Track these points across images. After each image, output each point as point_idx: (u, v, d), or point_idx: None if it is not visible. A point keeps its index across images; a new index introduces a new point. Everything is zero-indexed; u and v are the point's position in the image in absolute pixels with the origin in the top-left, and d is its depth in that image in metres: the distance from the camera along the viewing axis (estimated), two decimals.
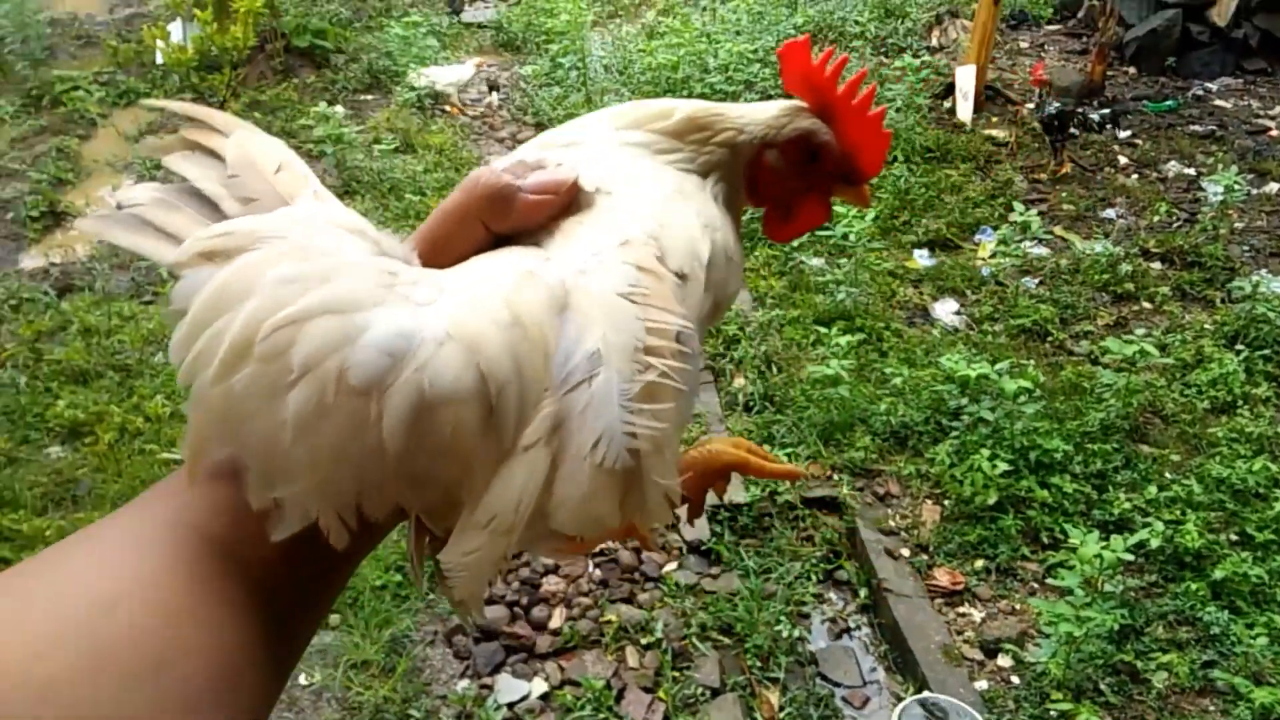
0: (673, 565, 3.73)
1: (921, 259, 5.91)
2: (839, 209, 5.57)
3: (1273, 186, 6.24)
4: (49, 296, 5.40)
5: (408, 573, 3.63)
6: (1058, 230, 6.02)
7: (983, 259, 5.80)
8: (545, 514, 0.53)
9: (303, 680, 3.22)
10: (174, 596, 0.47)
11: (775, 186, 0.73)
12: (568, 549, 0.64)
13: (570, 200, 0.61)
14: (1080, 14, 8.85)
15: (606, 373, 0.53)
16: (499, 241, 0.61)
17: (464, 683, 3.28)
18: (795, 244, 5.73)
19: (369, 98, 8.00)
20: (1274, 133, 6.97)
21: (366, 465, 0.48)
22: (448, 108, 7.93)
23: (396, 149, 6.91)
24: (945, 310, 5.40)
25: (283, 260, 0.49)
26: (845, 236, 5.32)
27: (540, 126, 7.68)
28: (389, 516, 0.52)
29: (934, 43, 8.59)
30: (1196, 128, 7.07)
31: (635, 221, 0.60)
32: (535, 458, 0.52)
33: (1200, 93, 7.59)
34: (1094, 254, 5.60)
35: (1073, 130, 6.51)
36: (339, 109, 7.17)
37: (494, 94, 8.01)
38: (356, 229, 0.55)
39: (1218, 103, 7.49)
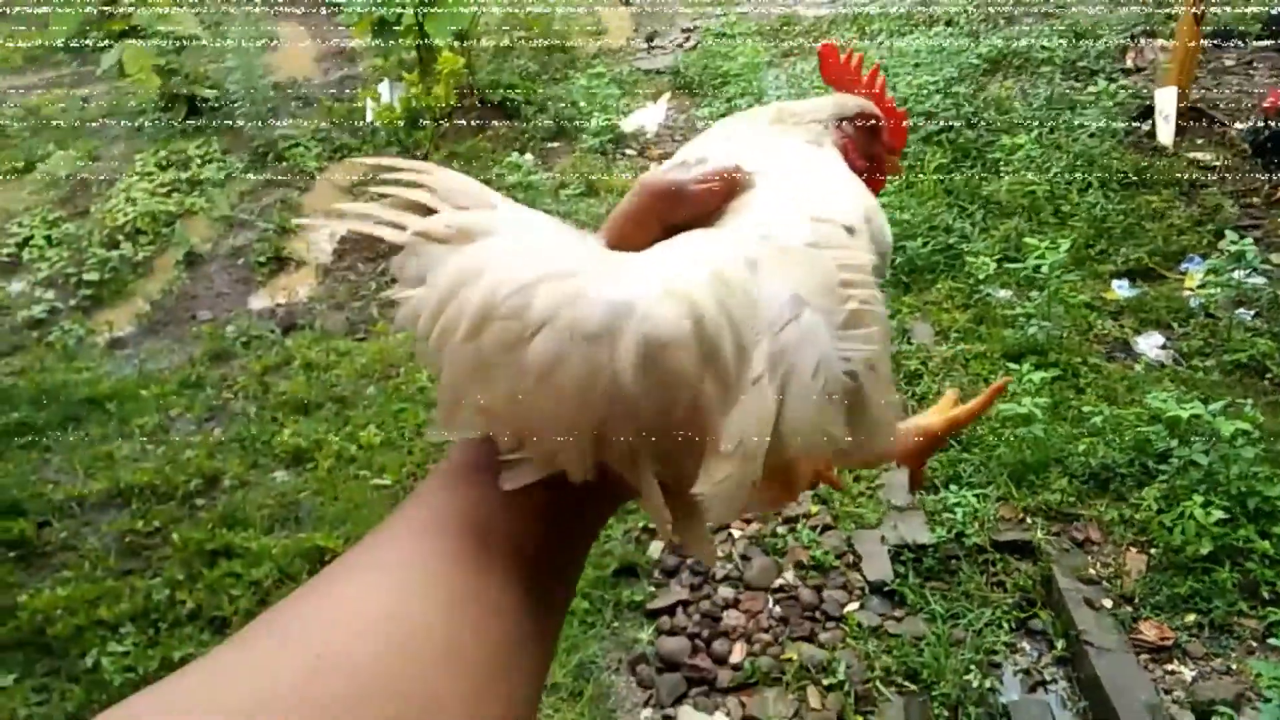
0: (854, 605, 3.69)
1: (1121, 290, 5.60)
2: (1030, 241, 5.38)
3: None
4: (275, 334, 5.96)
5: (594, 599, 3.77)
6: (1275, 258, 5.57)
7: (1190, 289, 5.44)
8: (781, 441, 0.58)
9: None
10: (455, 587, 0.52)
11: (853, 156, 0.85)
12: (783, 497, 0.72)
13: (733, 185, 0.69)
14: None
15: (811, 311, 0.60)
16: (671, 234, 0.67)
17: (648, 711, 3.36)
18: (982, 275, 5.57)
19: (555, 145, 8.40)
20: None
21: (603, 406, 0.53)
22: (642, 150, 8.28)
23: (581, 193, 7.22)
24: (1149, 344, 5.10)
25: (509, 241, 0.57)
26: (1037, 269, 5.12)
27: None
28: (625, 470, 0.56)
29: (1129, 64, 8.16)
30: None
31: (799, 186, 0.70)
32: (763, 389, 0.57)
33: None
34: None
35: None
36: (528, 157, 7.57)
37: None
38: (559, 224, 0.61)
39: None
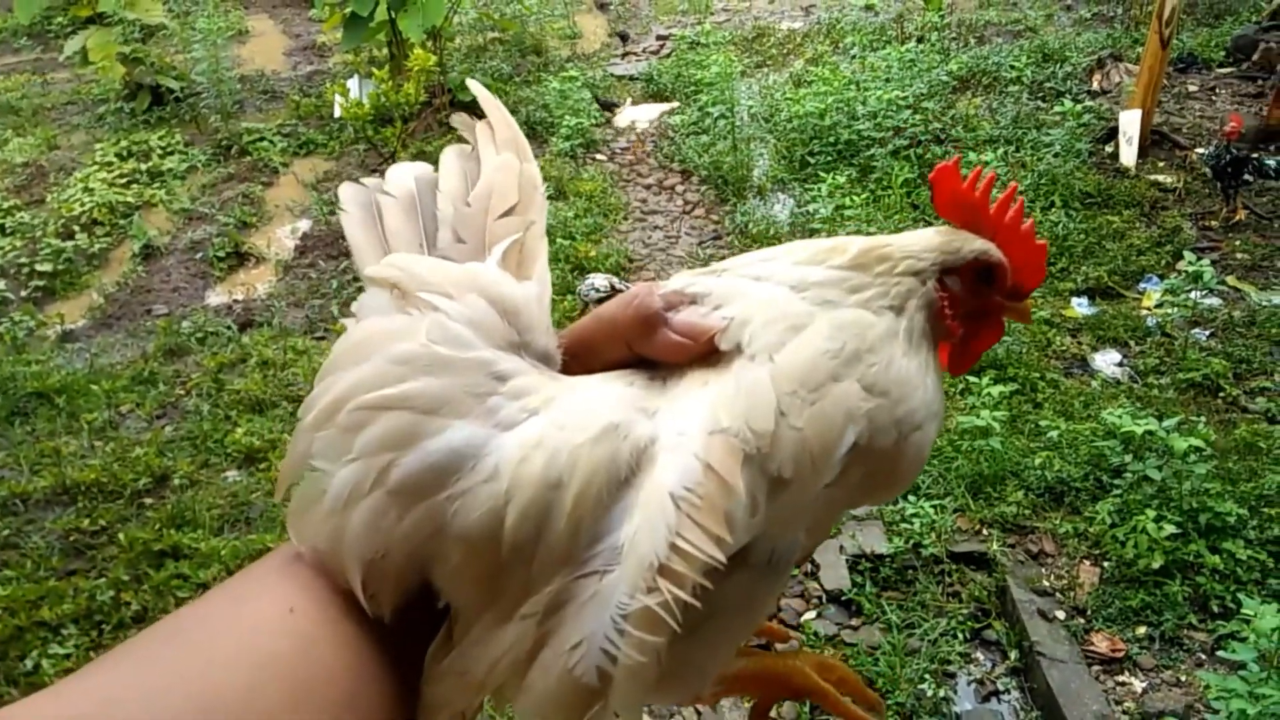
0: (812, 614, 3.68)
1: (1080, 307, 5.67)
2: None
3: None
4: (231, 331, 5.85)
5: None
6: (1231, 280, 5.67)
7: (1148, 309, 5.52)
8: (516, 691, 0.51)
9: None
10: (351, 638, 0.51)
11: (955, 314, 0.68)
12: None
13: (707, 350, 0.57)
14: (1255, 56, 8.34)
15: (619, 574, 0.49)
16: (643, 361, 0.60)
17: None
18: None
19: None
20: None
21: (371, 555, 0.50)
22: (630, 142, 8.44)
23: (550, 196, 7.17)
24: (1106, 361, 5.16)
25: (407, 337, 0.53)
26: None
27: (685, 174, 7.81)
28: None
29: (1095, 86, 8.28)
30: None
31: (747, 407, 0.54)
32: (524, 631, 0.50)
33: None
34: (1271, 305, 5.25)
35: (1246, 176, 6.13)
36: None
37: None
38: (511, 310, 0.56)
39: None
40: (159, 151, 8.16)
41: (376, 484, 0.50)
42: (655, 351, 0.58)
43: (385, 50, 8.77)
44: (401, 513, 0.50)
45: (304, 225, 7.11)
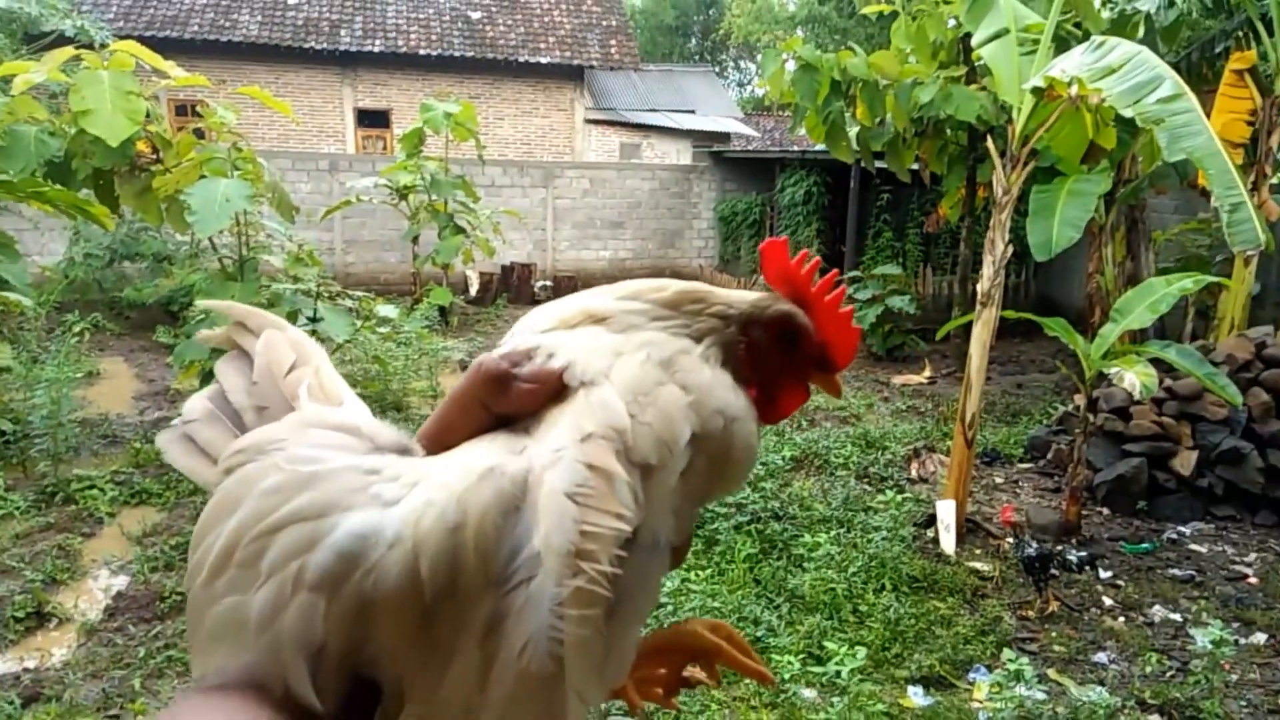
0: None
1: (916, 697, 5.74)
2: (831, 645, 5.55)
3: (1259, 637, 6.24)
4: (13, 707, 5.18)
5: None
6: (1051, 673, 5.93)
7: (979, 701, 5.65)
8: (479, 710, 0.54)
9: None
10: None
11: (759, 365, 0.75)
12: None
13: (557, 390, 0.65)
14: (1049, 455, 9.41)
15: (543, 575, 0.54)
16: (503, 422, 0.66)
17: None
18: (788, 675, 5.62)
19: None
20: (1252, 580, 7.08)
21: (310, 649, 0.53)
22: None
23: None
24: None
25: (269, 473, 0.57)
26: (838, 674, 5.24)
27: None
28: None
29: (914, 474, 9.05)
30: (1175, 571, 7.21)
31: (604, 415, 0.62)
32: (467, 660, 0.54)
33: (1175, 536, 7.83)
34: (1090, 702, 5.47)
35: (1053, 570, 6.65)
36: None
37: None
38: (350, 427, 0.62)
39: (1193, 547, 7.70)
40: None
41: (296, 588, 0.53)
42: (511, 404, 0.65)
43: None
44: (329, 602, 0.53)
45: (120, 583, 6.62)
